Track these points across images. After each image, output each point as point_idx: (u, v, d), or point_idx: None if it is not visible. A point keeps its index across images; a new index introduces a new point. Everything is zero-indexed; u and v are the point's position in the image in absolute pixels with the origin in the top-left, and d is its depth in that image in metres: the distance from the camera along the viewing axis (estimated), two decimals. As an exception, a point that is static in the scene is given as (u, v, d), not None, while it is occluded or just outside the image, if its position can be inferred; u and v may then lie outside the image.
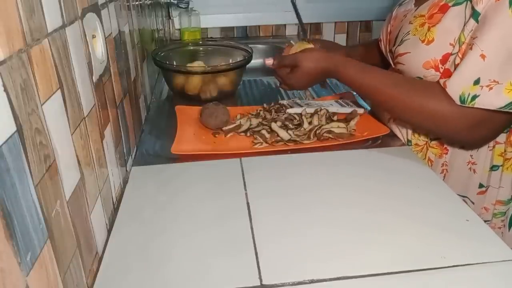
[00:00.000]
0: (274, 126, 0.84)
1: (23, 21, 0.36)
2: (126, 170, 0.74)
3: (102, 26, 0.62)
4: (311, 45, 0.92)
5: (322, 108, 0.90)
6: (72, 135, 0.47)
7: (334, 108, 0.92)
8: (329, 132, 0.83)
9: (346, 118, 0.89)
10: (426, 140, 0.82)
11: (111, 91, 0.66)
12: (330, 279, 0.50)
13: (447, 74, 0.72)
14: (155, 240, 0.58)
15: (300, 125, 0.87)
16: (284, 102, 0.95)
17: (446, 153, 0.81)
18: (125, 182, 0.71)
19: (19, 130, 0.35)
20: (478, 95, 0.66)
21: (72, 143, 0.47)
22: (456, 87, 0.68)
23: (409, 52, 0.77)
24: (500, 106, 0.65)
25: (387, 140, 0.84)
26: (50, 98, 0.42)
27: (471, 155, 0.79)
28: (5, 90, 0.33)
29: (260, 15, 1.75)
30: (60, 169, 0.43)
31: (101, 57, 0.61)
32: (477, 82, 0.66)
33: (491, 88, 0.65)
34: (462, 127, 0.71)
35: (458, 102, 0.68)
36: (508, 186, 0.80)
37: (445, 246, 0.55)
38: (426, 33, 0.74)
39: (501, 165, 0.79)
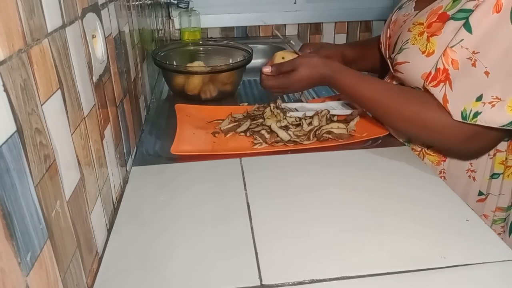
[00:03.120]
0: (274, 126, 0.84)
1: (23, 21, 0.36)
2: (126, 170, 0.74)
3: (102, 26, 0.62)
4: (295, 55, 0.91)
5: (323, 108, 0.90)
6: (72, 135, 0.47)
7: (335, 110, 0.92)
8: (329, 132, 0.83)
9: (346, 119, 0.89)
10: (422, 147, 0.82)
11: (111, 91, 0.66)
12: (330, 279, 0.50)
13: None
14: (155, 240, 0.58)
15: (299, 125, 0.87)
16: (283, 105, 0.94)
17: (445, 161, 0.80)
18: (125, 182, 0.71)
19: (19, 130, 0.35)
20: (481, 112, 0.66)
21: (72, 143, 0.47)
22: (458, 103, 0.68)
23: (408, 62, 0.76)
24: (503, 124, 0.65)
25: (387, 141, 0.84)
26: (50, 98, 0.42)
27: (470, 163, 0.79)
28: (5, 90, 0.33)
29: (260, 15, 1.75)
30: (60, 169, 0.43)
31: (101, 57, 0.61)
32: (479, 98, 0.66)
33: (493, 105, 0.65)
34: (458, 140, 0.71)
35: (459, 118, 0.67)
36: (509, 193, 0.80)
37: (445, 246, 0.55)
38: (427, 45, 0.73)
39: (501, 173, 0.78)
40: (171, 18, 1.71)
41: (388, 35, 0.88)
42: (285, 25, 1.79)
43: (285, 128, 0.85)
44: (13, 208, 0.33)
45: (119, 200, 0.67)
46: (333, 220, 0.61)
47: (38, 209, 0.37)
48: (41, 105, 0.39)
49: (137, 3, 0.95)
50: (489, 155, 0.78)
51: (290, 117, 0.88)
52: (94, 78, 0.57)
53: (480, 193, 0.81)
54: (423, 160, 0.82)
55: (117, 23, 0.72)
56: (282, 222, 0.61)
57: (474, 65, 0.66)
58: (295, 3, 1.77)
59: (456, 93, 0.68)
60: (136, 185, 0.71)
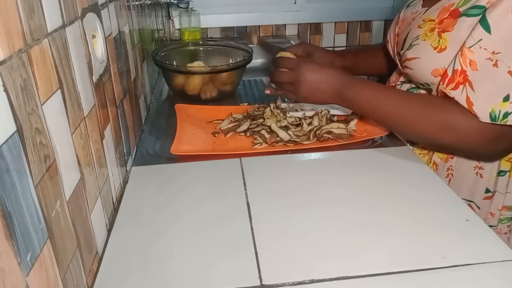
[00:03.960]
0: (274, 126, 0.84)
1: (23, 21, 0.36)
2: (126, 170, 0.74)
3: (102, 26, 0.62)
4: (293, 55, 0.90)
5: (323, 108, 0.90)
6: (72, 135, 0.47)
7: (335, 110, 0.92)
8: (329, 132, 0.83)
9: (346, 119, 0.89)
10: None
11: (111, 91, 0.66)
12: (330, 279, 0.50)
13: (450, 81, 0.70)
14: (155, 240, 0.58)
15: (299, 125, 0.87)
16: (283, 105, 0.94)
17: (452, 158, 0.80)
18: (125, 182, 0.71)
19: (19, 130, 0.35)
20: (511, 112, 0.65)
21: (72, 143, 0.47)
22: (484, 104, 0.67)
23: (419, 58, 0.76)
24: None
25: (387, 140, 0.84)
26: (50, 98, 0.42)
27: (478, 160, 0.79)
28: (5, 90, 0.33)
29: (260, 15, 1.75)
30: (60, 169, 0.43)
31: (101, 57, 0.61)
32: (506, 99, 0.65)
33: None
34: (484, 142, 0.69)
35: (488, 120, 0.67)
36: None
37: (445, 246, 0.55)
38: (439, 40, 0.72)
39: (508, 171, 0.78)
40: (171, 18, 1.71)
41: (396, 33, 0.88)
42: (285, 25, 1.79)
43: (285, 128, 0.85)
44: (13, 208, 0.33)
45: (119, 200, 0.67)
46: (333, 220, 0.61)
47: (38, 209, 0.37)
48: (41, 105, 0.39)
49: (137, 3, 0.95)
50: None
51: (290, 117, 0.88)
52: (94, 78, 0.57)
53: (487, 191, 0.81)
54: (431, 158, 0.82)
55: (117, 23, 0.72)
56: (282, 222, 0.61)
57: (495, 65, 0.65)
58: (295, 3, 1.77)
59: (480, 95, 0.67)
60: (136, 185, 0.71)
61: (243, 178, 0.72)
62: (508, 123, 0.66)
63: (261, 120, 0.88)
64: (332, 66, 0.82)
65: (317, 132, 0.83)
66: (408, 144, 0.84)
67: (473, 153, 0.77)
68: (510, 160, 0.78)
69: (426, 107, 0.73)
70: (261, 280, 0.50)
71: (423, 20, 0.77)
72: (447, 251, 0.54)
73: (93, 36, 0.58)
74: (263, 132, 0.84)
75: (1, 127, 0.32)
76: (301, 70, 0.81)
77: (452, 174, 0.81)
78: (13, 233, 0.32)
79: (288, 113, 0.89)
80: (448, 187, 0.68)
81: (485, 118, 0.67)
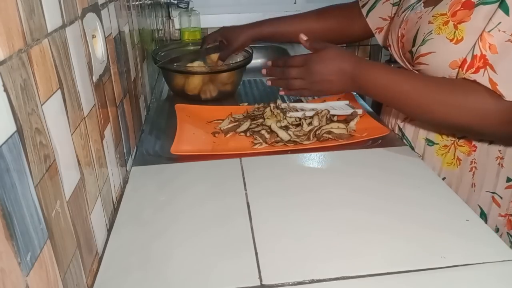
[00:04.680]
0: (274, 126, 0.84)
1: (23, 21, 0.36)
2: (126, 170, 0.74)
3: (102, 26, 0.62)
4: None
5: (323, 108, 0.90)
6: (72, 135, 0.47)
7: (335, 110, 0.92)
8: (329, 132, 0.83)
9: (346, 119, 0.89)
10: (454, 139, 0.81)
11: (111, 91, 0.66)
12: (330, 279, 0.50)
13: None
14: (155, 240, 0.58)
15: (299, 125, 0.87)
16: (283, 105, 0.94)
17: (475, 150, 0.80)
18: (125, 182, 0.71)
19: (19, 130, 0.35)
20: None
21: (72, 143, 0.47)
22: (508, 84, 0.67)
23: (434, 52, 0.75)
24: None
25: (387, 141, 0.84)
26: (50, 98, 0.42)
27: (499, 150, 0.79)
28: (5, 90, 0.33)
29: (260, 15, 1.75)
30: (60, 169, 0.43)
31: (101, 57, 0.61)
32: None
33: None
34: (505, 120, 0.69)
35: None
36: None
37: (445, 246, 0.55)
38: (455, 32, 0.72)
39: None
40: (171, 18, 1.71)
41: (400, 35, 0.86)
42: (285, 25, 1.78)
43: (285, 128, 0.85)
44: (13, 208, 0.33)
45: (119, 200, 0.67)
46: (333, 220, 0.61)
47: (38, 209, 0.37)
48: (41, 105, 0.39)
49: (137, 3, 0.95)
50: None
51: (290, 117, 0.88)
52: (94, 78, 0.57)
53: (508, 179, 0.80)
54: (454, 154, 0.82)
55: (117, 23, 0.72)
56: (282, 222, 0.61)
57: None
58: (295, 3, 1.77)
59: (503, 75, 0.67)
60: (136, 185, 0.71)
61: (243, 178, 0.72)
62: None
63: (261, 120, 0.88)
64: (343, 54, 0.80)
65: (317, 132, 0.83)
66: (426, 142, 0.84)
67: (494, 133, 0.75)
68: None
69: (447, 89, 0.72)
70: (261, 280, 0.50)
71: (432, 16, 0.76)
72: (447, 251, 0.54)
73: (93, 36, 0.58)
74: (263, 132, 0.84)
75: (1, 127, 0.32)
76: (310, 65, 0.80)
77: (475, 167, 0.81)
78: (13, 233, 0.32)
79: (288, 113, 0.89)
80: (448, 187, 0.68)
81: (510, 96, 0.67)
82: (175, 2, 1.60)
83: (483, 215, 0.84)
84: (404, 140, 0.88)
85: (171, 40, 1.70)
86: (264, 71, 0.88)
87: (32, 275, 0.35)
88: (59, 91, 0.44)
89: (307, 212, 0.63)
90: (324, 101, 1.01)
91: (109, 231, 0.60)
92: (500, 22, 0.67)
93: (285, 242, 0.57)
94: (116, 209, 0.64)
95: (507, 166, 0.79)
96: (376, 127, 0.88)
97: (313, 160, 0.78)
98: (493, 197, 0.82)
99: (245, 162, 0.76)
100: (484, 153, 0.80)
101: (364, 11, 1.02)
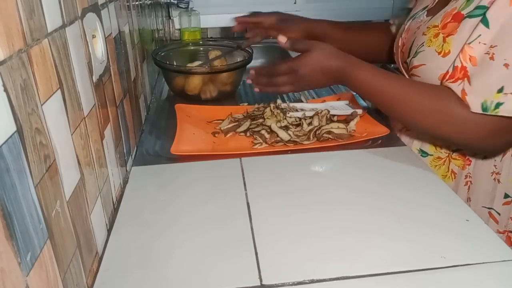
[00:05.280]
0: (274, 126, 0.84)
1: (23, 21, 0.36)
2: (126, 170, 0.74)
3: (102, 26, 0.62)
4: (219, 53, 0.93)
5: (323, 108, 0.90)
6: (72, 135, 0.47)
7: (335, 110, 0.92)
8: (329, 132, 0.83)
9: (346, 119, 0.89)
10: (448, 152, 0.81)
11: (111, 91, 0.66)
12: (330, 279, 0.50)
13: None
14: (155, 240, 0.58)
15: (299, 125, 0.87)
16: (283, 105, 0.94)
17: (469, 164, 0.79)
18: (125, 182, 0.71)
19: (19, 130, 0.35)
20: (503, 103, 0.65)
21: (72, 143, 0.47)
22: (477, 95, 0.67)
23: (425, 65, 0.75)
24: None
25: (387, 141, 0.84)
26: (50, 98, 0.42)
27: (495, 165, 0.78)
28: (5, 90, 0.33)
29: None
30: (60, 169, 0.43)
31: (101, 57, 0.61)
32: (500, 90, 0.65)
33: None
34: (483, 134, 0.69)
35: (479, 110, 0.66)
36: None
37: (445, 246, 0.55)
38: (443, 45, 0.72)
39: None
40: (171, 18, 1.71)
41: (401, 43, 0.87)
42: (285, 25, 1.78)
43: (285, 128, 0.85)
44: (13, 208, 0.33)
45: (119, 200, 0.67)
46: (333, 220, 0.61)
47: (38, 209, 0.37)
48: (41, 105, 0.39)
49: (137, 3, 0.95)
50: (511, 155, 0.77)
51: (290, 117, 0.88)
52: (94, 78, 0.57)
53: (506, 196, 0.80)
54: (448, 167, 0.81)
55: (117, 23, 0.72)
56: (282, 222, 0.61)
57: (492, 58, 0.65)
58: (295, 3, 1.77)
59: (476, 87, 0.67)
60: (136, 185, 0.71)
61: (243, 178, 0.72)
62: (499, 113, 0.65)
63: (261, 120, 0.88)
64: (327, 53, 0.79)
65: (317, 132, 0.83)
66: (419, 153, 0.83)
67: (473, 146, 0.76)
68: None
69: (427, 94, 0.72)
70: (261, 280, 0.50)
71: (427, 27, 0.77)
72: (447, 251, 0.54)
73: (93, 36, 0.58)
74: (263, 132, 0.84)
75: (1, 127, 0.32)
76: (296, 72, 0.79)
77: (470, 181, 0.80)
78: (13, 233, 0.32)
79: (288, 113, 0.89)
80: (448, 187, 0.68)
81: (476, 108, 0.67)
82: (175, 2, 1.60)
83: None
84: None
85: (171, 40, 1.70)
86: (249, 81, 0.86)
87: (32, 275, 0.35)
88: (59, 91, 0.44)
89: (307, 212, 0.63)
90: (324, 101, 1.01)
91: (109, 231, 0.60)
92: (480, 35, 0.66)
93: (285, 242, 0.57)
94: (116, 209, 0.64)
95: (504, 181, 0.79)
96: (376, 127, 0.88)
97: (313, 160, 0.78)
98: (490, 212, 0.82)
99: (245, 162, 0.76)
100: (479, 167, 0.79)
101: (392, 29, 1.03)
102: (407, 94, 0.74)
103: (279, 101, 0.95)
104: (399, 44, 0.87)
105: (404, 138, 0.86)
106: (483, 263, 0.52)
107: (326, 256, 0.54)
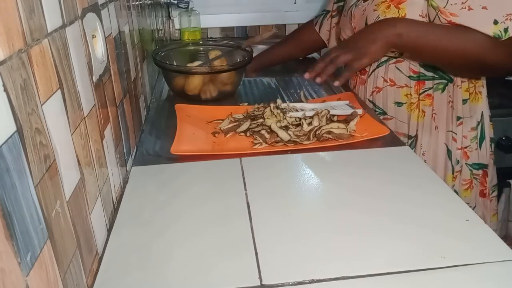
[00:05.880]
0: (274, 126, 0.84)
1: (23, 21, 0.36)
2: (126, 170, 0.74)
3: (102, 26, 0.62)
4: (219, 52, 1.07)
5: (323, 108, 0.90)
6: (72, 135, 0.47)
7: (335, 110, 0.92)
8: (329, 132, 0.83)
9: (346, 119, 0.89)
10: (417, 96, 0.97)
11: (111, 91, 0.66)
12: (330, 279, 0.50)
13: None
14: (155, 240, 0.58)
15: (299, 125, 0.87)
16: (282, 105, 0.94)
17: (433, 100, 0.97)
18: (125, 182, 0.71)
19: (19, 130, 0.35)
20: (507, 27, 0.79)
21: (72, 143, 0.47)
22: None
23: None
24: None
25: (387, 141, 0.84)
26: (50, 98, 0.42)
27: (449, 95, 0.97)
28: (5, 90, 0.33)
29: (260, 15, 1.75)
30: (60, 169, 0.43)
31: (101, 57, 0.61)
32: (496, 22, 0.79)
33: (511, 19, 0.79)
34: (506, 53, 0.83)
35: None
36: (475, 116, 1.00)
37: (445, 246, 0.55)
38: (398, 11, 0.87)
39: (467, 99, 0.98)
40: (171, 18, 1.71)
41: (353, 28, 1.00)
42: (285, 25, 1.78)
43: (285, 128, 0.85)
44: (13, 208, 0.33)
45: (119, 200, 0.67)
46: (333, 220, 0.61)
47: (38, 209, 0.37)
48: (41, 105, 0.39)
49: (137, 3, 0.95)
50: (457, 85, 0.96)
51: (290, 117, 0.88)
52: (94, 78, 0.57)
53: (458, 118, 0.98)
54: (419, 107, 0.97)
55: (117, 23, 0.72)
56: (282, 222, 0.61)
57: (470, 9, 0.81)
58: (295, 3, 1.77)
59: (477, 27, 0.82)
60: (136, 185, 0.71)
61: (243, 178, 0.72)
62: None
63: (261, 120, 0.88)
64: (368, 26, 0.93)
65: (317, 132, 0.83)
66: (396, 105, 0.99)
67: (504, 65, 0.87)
68: (468, 90, 0.97)
69: (463, 30, 0.85)
70: (261, 280, 0.50)
71: (375, 5, 0.91)
72: (447, 251, 0.54)
73: (93, 36, 0.58)
74: (263, 132, 0.84)
75: (1, 127, 0.32)
76: (348, 41, 0.95)
77: (435, 113, 0.98)
78: (13, 233, 0.32)
79: (288, 113, 0.89)
80: (448, 187, 0.68)
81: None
82: (175, 2, 1.60)
83: (449, 152, 1.00)
84: (377, 110, 1.02)
85: (171, 40, 1.70)
86: (307, 75, 0.95)
87: (32, 275, 0.35)
88: (59, 91, 0.44)
89: (307, 212, 0.63)
90: (324, 101, 1.01)
91: (109, 231, 0.60)
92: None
93: (285, 242, 0.57)
94: (116, 209, 0.64)
95: (455, 107, 0.97)
96: (376, 127, 0.88)
97: (313, 160, 0.78)
98: (452, 135, 1.00)
99: (245, 162, 0.76)
100: (439, 100, 0.97)
101: (317, 28, 1.30)
102: (453, 39, 0.86)
103: (279, 101, 0.95)
104: (352, 28, 1.00)
105: (378, 98, 1.02)
106: (483, 263, 0.52)
107: (326, 256, 0.54)
